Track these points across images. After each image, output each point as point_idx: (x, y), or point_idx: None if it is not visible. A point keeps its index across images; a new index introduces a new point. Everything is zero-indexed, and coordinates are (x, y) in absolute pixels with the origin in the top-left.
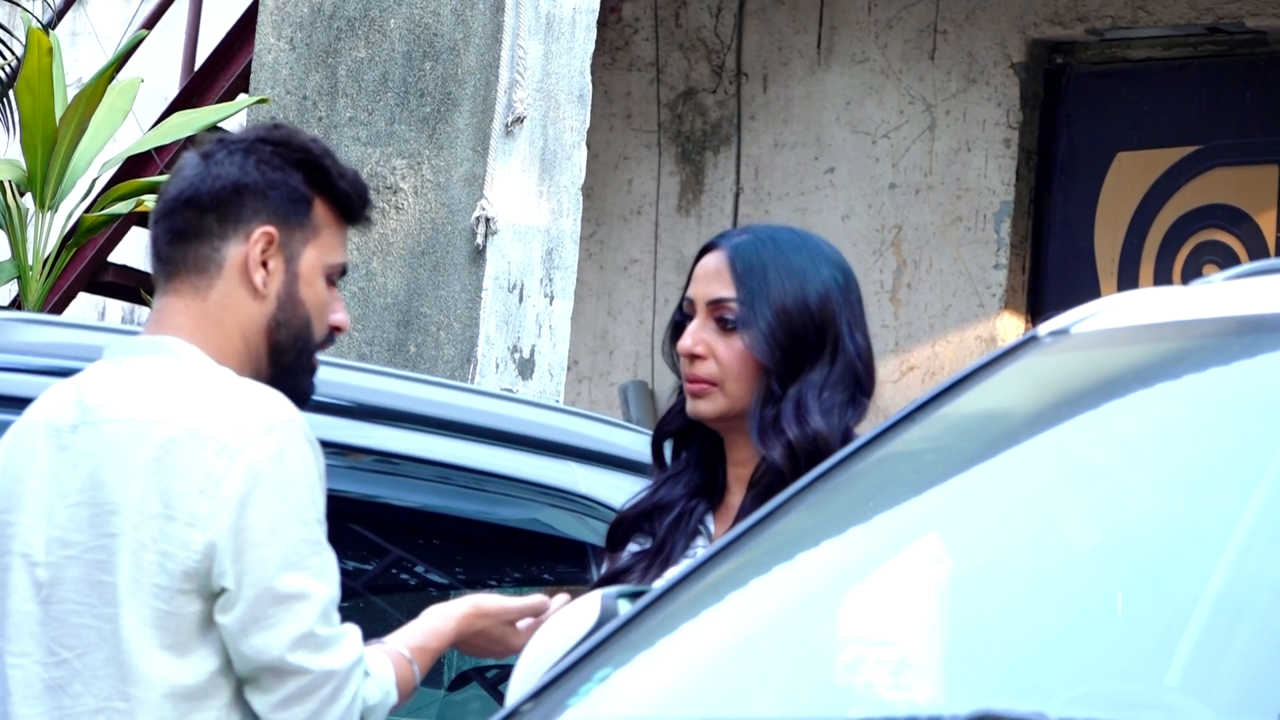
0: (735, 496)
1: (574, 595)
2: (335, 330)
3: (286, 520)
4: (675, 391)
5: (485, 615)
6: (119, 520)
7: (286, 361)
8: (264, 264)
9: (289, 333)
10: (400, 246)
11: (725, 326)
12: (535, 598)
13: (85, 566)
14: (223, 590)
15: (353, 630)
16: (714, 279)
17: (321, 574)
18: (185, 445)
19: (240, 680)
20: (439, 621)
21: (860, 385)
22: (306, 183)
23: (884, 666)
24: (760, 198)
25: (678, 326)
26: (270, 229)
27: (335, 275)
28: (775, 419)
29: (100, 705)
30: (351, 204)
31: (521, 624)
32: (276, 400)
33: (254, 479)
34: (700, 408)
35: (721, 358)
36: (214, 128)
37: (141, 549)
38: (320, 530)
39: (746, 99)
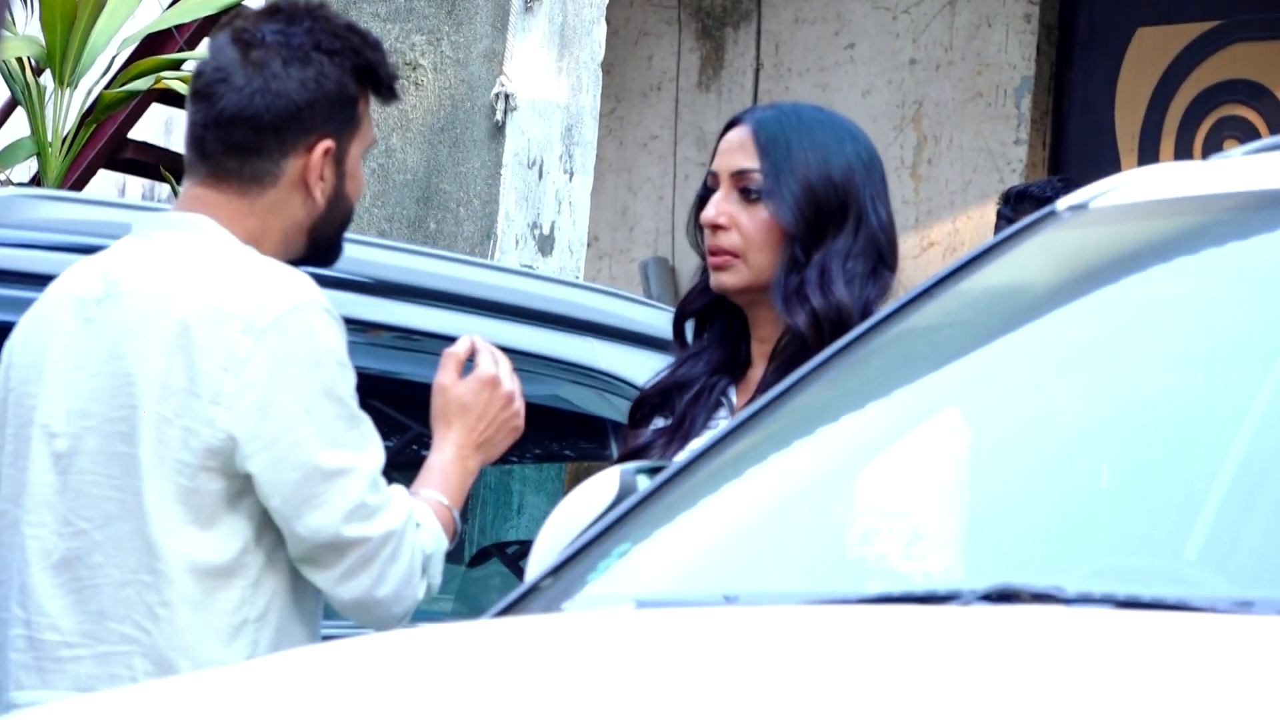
0: (758, 370)
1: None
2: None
3: (319, 398)
4: (698, 271)
5: (466, 408)
6: (138, 392)
7: (325, 245)
8: (321, 172)
9: (331, 227)
10: (420, 123)
11: (749, 197)
12: (459, 343)
13: (104, 438)
14: (248, 474)
15: (398, 489)
16: (738, 151)
17: (361, 446)
18: (209, 322)
19: (296, 562)
20: (450, 460)
21: (883, 258)
22: (356, 83)
23: (898, 538)
24: (780, 74)
25: (702, 202)
26: (330, 142)
27: (368, 151)
28: (800, 286)
29: (128, 578)
30: (392, 89)
31: (484, 371)
32: (301, 280)
33: (280, 361)
34: (723, 279)
35: (745, 228)
36: (233, 6)
37: (165, 423)
38: (353, 403)
39: None
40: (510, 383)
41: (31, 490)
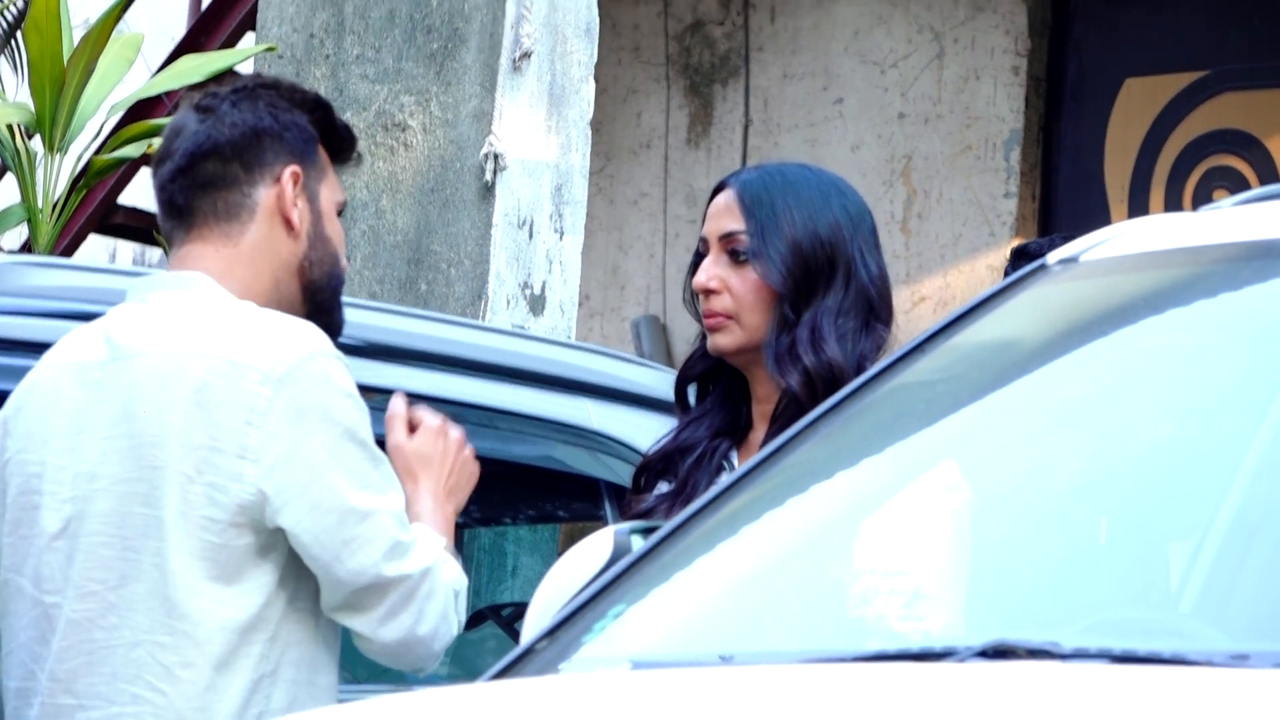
0: (759, 433)
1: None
2: None
3: (343, 442)
4: (698, 337)
5: (427, 460)
6: (162, 453)
7: (322, 299)
8: (294, 202)
9: (321, 270)
10: (409, 184)
11: (737, 259)
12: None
13: (116, 499)
14: (276, 529)
15: (420, 526)
16: (724, 214)
17: (385, 486)
18: (225, 376)
19: (332, 611)
20: (430, 510)
21: (874, 312)
22: (310, 123)
23: (897, 598)
24: (770, 129)
25: (695, 268)
26: (296, 168)
27: (340, 212)
28: (791, 346)
29: (140, 638)
30: (348, 142)
31: (431, 422)
32: (309, 328)
33: (301, 409)
34: (719, 341)
35: (735, 290)
36: (222, 74)
37: (188, 481)
38: (370, 442)
39: (754, 30)
40: (456, 429)
41: (40, 556)
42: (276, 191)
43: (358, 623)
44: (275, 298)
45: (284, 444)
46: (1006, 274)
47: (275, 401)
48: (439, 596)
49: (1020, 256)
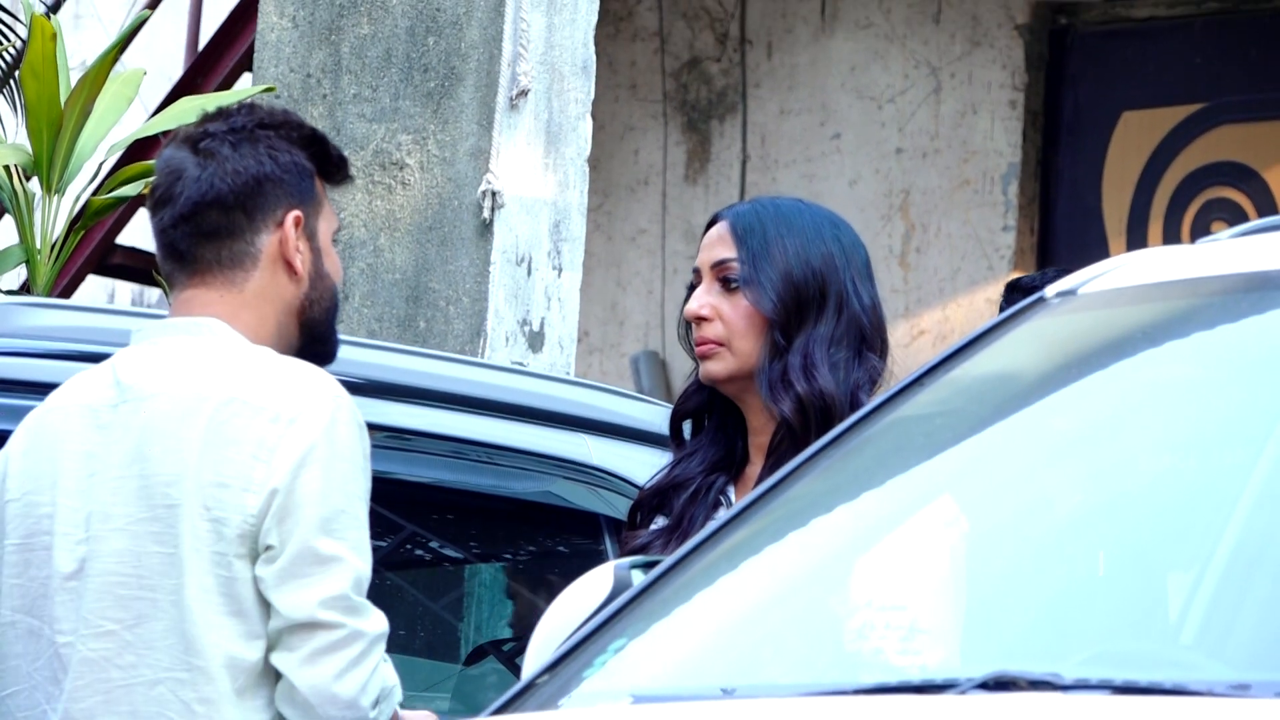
0: (755, 467)
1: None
2: None
3: (333, 487)
4: (692, 372)
5: None
6: (175, 491)
7: (320, 332)
8: (297, 247)
9: (321, 308)
10: (407, 222)
11: (729, 286)
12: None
13: (131, 538)
14: (268, 547)
15: (380, 613)
16: (717, 244)
17: (358, 548)
18: (239, 415)
19: (270, 649)
20: None
21: (867, 341)
22: (307, 157)
23: (895, 632)
24: (767, 165)
25: (689, 300)
26: (297, 212)
27: (335, 238)
28: (784, 373)
29: (160, 676)
30: (344, 169)
31: None
32: (326, 377)
33: (309, 446)
34: (710, 369)
35: (727, 316)
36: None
37: (201, 518)
38: (362, 508)
39: (751, 66)
40: None
41: (58, 599)
42: (279, 237)
43: (281, 661)
44: (277, 338)
45: (284, 476)
46: (1002, 309)
47: (284, 439)
48: (367, 666)
49: (1014, 290)
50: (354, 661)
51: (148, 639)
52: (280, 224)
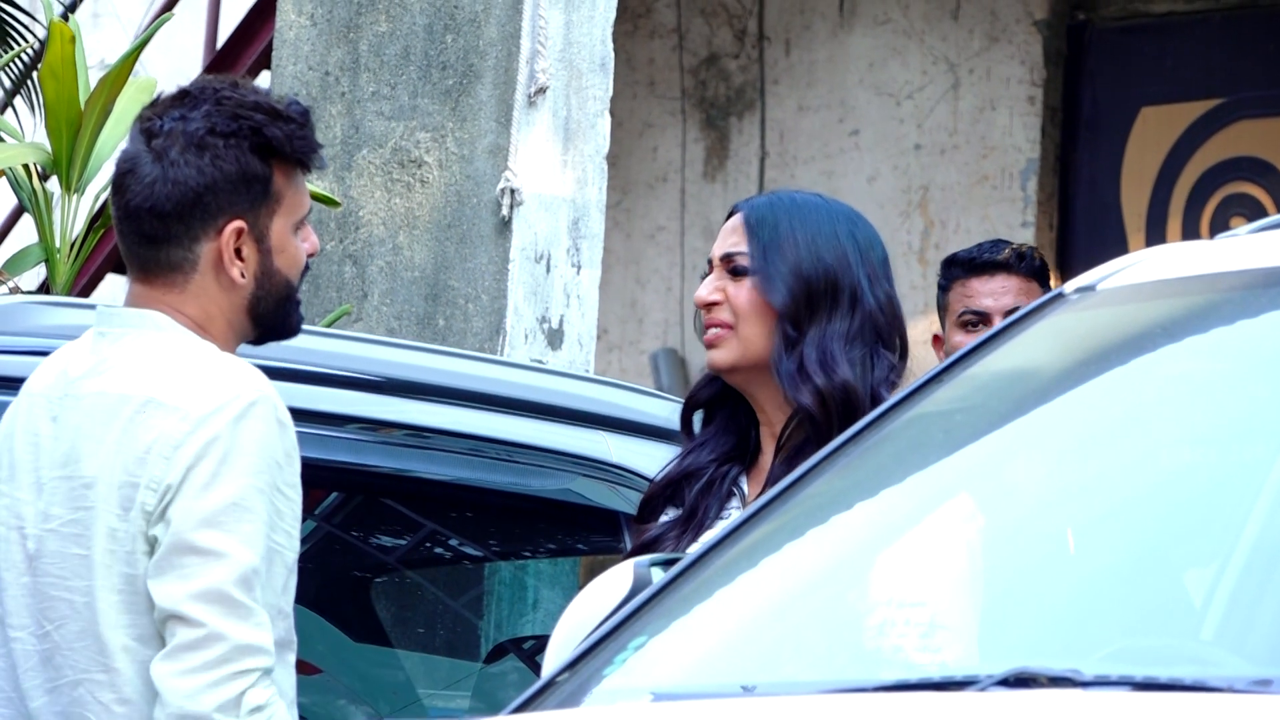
0: (768, 457)
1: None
2: (310, 257)
3: (223, 480)
4: (705, 365)
5: None
6: (91, 494)
7: (272, 321)
8: (238, 252)
9: (270, 302)
10: (426, 220)
11: (738, 274)
12: None
13: (60, 540)
14: (154, 539)
15: (265, 624)
16: (730, 235)
17: (248, 541)
18: (153, 416)
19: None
20: None
21: (883, 339)
22: (261, 159)
23: (914, 629)
24: (786, 162)
25: None
26: (239, 222)
27: (304, 221)
28: (801, 365)
29: (79, 677)
30: (304, 157)
31: None
32: (249, 375)
33: (208, 440)
34: (715, 357)
35: (734, 300)
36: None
37: (114, 519)
38: (262, 500)
39: (769, 63)
40: None
41: (11, 592)
42: (218, 246)
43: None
44: (231, 332)
45: (179, 473)
46: (940, 285)
47: (190, 436)
48: (222, 673)
49: (951, 265)
50: (211, 665)
51: (69, 640)
52: (219, 231)
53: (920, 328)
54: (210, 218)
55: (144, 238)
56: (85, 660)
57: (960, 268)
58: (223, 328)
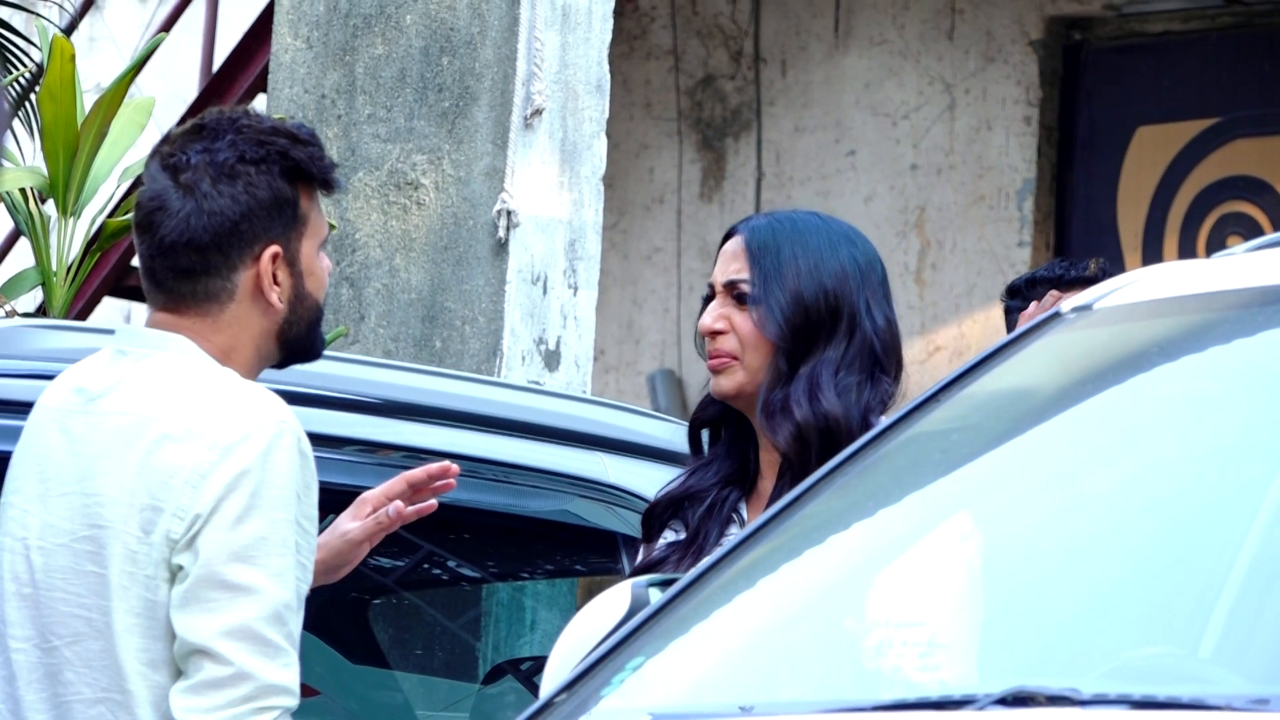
0: (767, 483)
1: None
2: None
3: (255, 514)
4: (706, 383)
5: None
6: (109, 512)
7: (300, 346)
8: (274, 277)
9: (301, 326)
10: (423, 242)
11: (741, 302)
12: None
13: (72, 555)
14: (179, 568)
15: (294, 665)
16: (732, 261)
17: (279, 576)
18: (178, 441)
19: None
20: None
21: (880, 364)
22: (289, 182)
23: (913, 648)
24: (782, 182)
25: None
26: (275, 247)
27: (326, 242)
28: (784, 401)
29: (100, 695)
30: (327, 177)
31: None
32: (274, 404)
33: (239, 472)
34: (720, 384)
35: (740, 329)
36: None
37: (132, 541)
38: (291, 533)
39: (765, 84)
40: None
41: (14, 604)
42: (256, 272)
43: (175, 687)
44: (254, 358)
45: (208, 503)
46: (1006, 310)
47: (218, 465)
48: (245, 715)
49: (1032, 285)
50: (232, 703)
51: (85, 657)
52: (257, 258)
53: (916, 348)
54: (247, 245)
55: (180, 272)
56: (106, 679)
57: (1047, 285)
58: (249, 355)
